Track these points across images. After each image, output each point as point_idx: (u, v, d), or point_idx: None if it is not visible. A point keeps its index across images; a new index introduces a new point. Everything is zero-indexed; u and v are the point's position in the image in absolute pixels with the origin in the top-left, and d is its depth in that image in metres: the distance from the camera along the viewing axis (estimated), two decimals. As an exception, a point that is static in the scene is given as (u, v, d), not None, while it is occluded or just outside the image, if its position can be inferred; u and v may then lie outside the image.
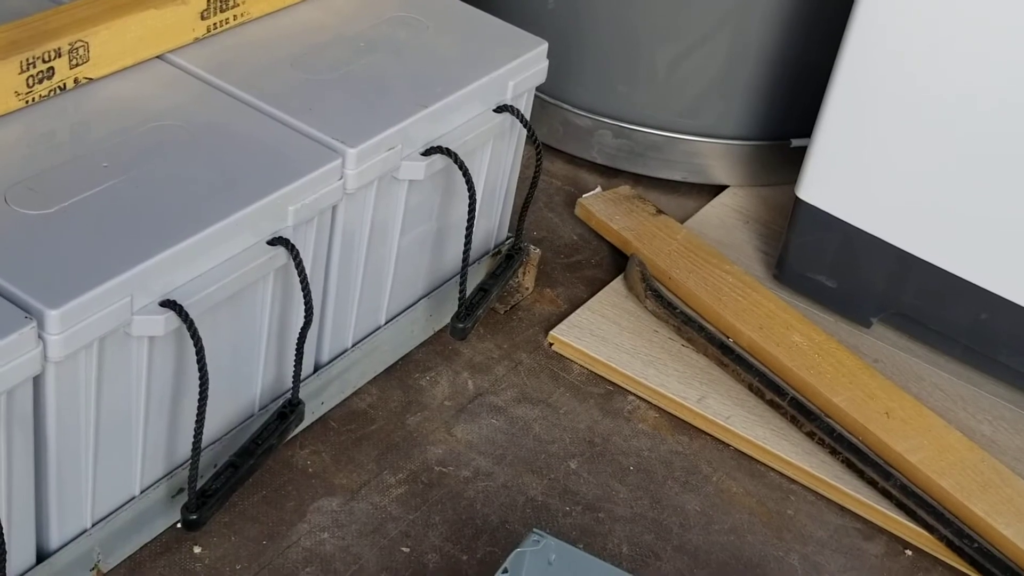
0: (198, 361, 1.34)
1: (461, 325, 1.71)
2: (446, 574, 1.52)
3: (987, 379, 1.90)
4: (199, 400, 1.36)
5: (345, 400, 1.72)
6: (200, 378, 1.35)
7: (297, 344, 1.49)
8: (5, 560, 1.23)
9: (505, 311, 1.92)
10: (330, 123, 1.53)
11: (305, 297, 1.46)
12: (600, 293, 1.96)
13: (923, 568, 1.65)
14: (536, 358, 1.85)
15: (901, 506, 1.68)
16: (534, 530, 1.38)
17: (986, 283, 1.81)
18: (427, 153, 1.60)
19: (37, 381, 1.26)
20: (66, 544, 1.38)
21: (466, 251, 1.68)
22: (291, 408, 1.54)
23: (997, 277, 1.81)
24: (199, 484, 1.42)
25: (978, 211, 1.79)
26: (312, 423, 1.67)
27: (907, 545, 1.67)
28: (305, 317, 1.47)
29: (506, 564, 1.35)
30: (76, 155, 1.42)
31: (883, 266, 1.90)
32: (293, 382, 1.53)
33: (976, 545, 1.63)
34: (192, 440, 1.39)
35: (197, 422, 1.37)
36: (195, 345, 1.33)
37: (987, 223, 1.79)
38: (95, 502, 1.39)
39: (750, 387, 1.82)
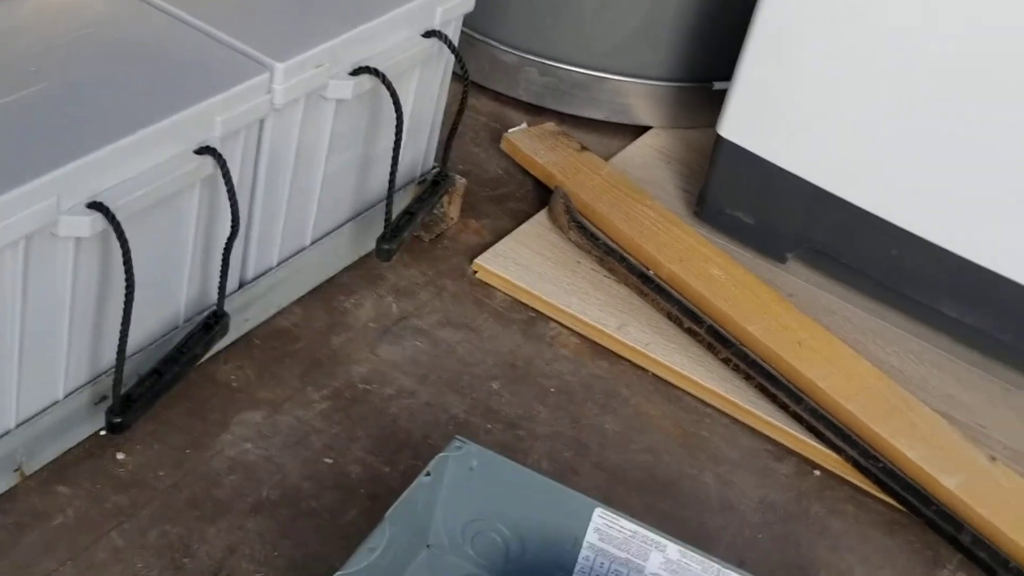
0: (124, 263, 1.35)
1: (387, 246, 1.73)
2: (369, 484, 1.55)
3: (896, 313, 1.97)
4: (125, 302, 1.37)
5: (269, 319, 1.73)
6: (127, 280, 1.36)
7: (223, 253, 1.51)
8: (-72, 452, 1.24)
9: (430, 240, 1.94)
10: (259, 39, 1.54)
11: (232, 206, 1.47)
12: (524, 224, 2.00)
13: (830, 487, 1.71)
14: (460, 285, 1.88)
15: (811, 429, 1.74)
16: (456, 437, 1.41)
17: (896, 219, 1.87)
18: (355, 73, 1.62)
19: (-38, 277, 1.26)
20: (-12, 444, 1.39)
21: (392, 171, 1.70)
22: (216, 319, 1.56)
23: (906, 213, 1.87)
24: (123, 390, 1.44)
25: (889, 148, 1.85)
26: (236, 340, 1.68)
27: (816, 466, 1.73)
28: (232, 227, 1.49)
29: (428, 468, 1.39)
30: (4, 60, 1.42)
31: (799, 202, 1.95)
32: (219, 292, 1.54)
33: (881, 465, 1.69)
34: (117, 344, 1.40)
35: (123, 325, 1.38)
36: (122, 247, 1.34)
37: (897, 160, 1.85)
38: (19, 404, 1.39)
39: (668, 315, 1.87)
